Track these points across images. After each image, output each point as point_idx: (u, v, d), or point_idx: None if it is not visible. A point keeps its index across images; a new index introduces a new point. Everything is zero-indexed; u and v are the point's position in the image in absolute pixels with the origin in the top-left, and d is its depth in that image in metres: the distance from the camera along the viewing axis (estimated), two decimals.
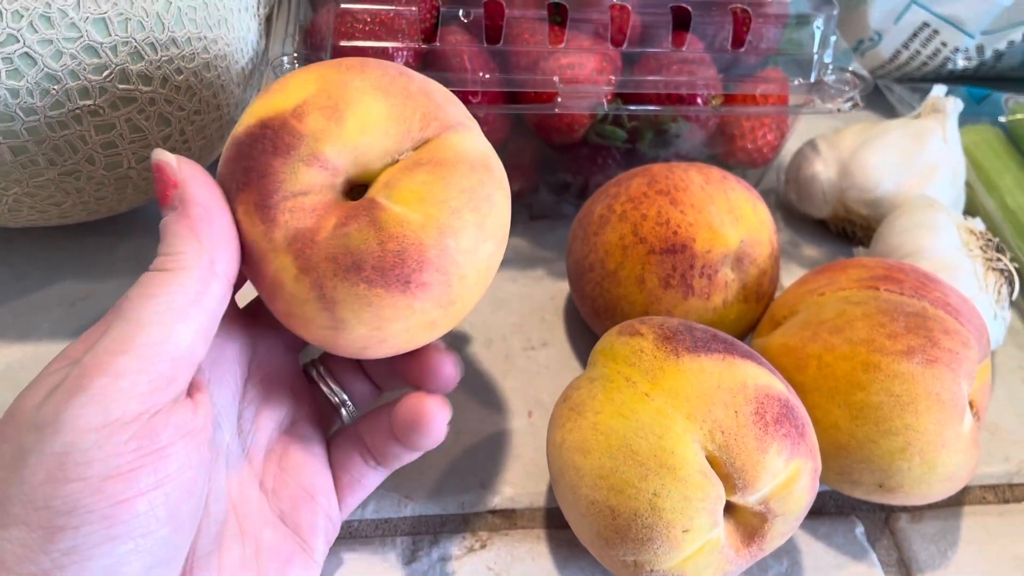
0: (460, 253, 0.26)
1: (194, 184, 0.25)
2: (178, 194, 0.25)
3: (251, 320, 0.31)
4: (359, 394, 0.33)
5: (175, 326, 0.24)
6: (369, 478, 0.31)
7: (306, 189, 0.25)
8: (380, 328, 0.26)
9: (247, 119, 0.27)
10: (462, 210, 0.26)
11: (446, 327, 0.28)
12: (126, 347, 0.23)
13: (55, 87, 0.32)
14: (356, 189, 0.27)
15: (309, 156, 0.25)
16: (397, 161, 0.26)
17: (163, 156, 0.26)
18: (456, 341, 0.43)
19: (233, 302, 0.30)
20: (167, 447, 0.23)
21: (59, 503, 0.21)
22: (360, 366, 0.33)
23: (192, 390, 0.25)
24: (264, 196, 0.25)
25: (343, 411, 0.33)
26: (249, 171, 0.26)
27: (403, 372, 0.31)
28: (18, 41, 0.31)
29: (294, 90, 0.26)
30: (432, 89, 0.28)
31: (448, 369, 0.30)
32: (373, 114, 0.26)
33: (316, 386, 0.33)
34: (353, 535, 0.35)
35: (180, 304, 0.24)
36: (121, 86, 0.34)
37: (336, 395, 0.32)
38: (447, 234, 0.26)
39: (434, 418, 0.29)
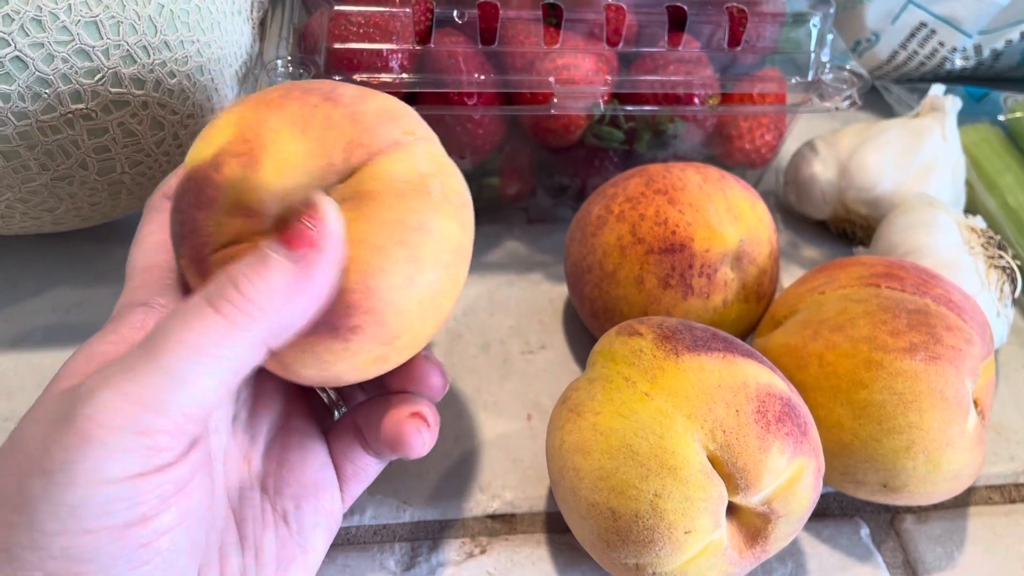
0: (390, 291, 0.24)
1: (327, 263, 0.23)
2: (307, 256, 0.23)
3: None
4: (348, 390, 0.33)
5: (210, 390, 0.21)
6: (372, 467, 0.31)
7: (234, 239, 0.24)
8: (326, 369, 0.25)
9: (183, 169, 0.26)
10: (386, 247, 0.24)
11: (401, 355, 0.27)
12: (154, 401, 0.21)
13: (47, 91, 0.32)
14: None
15: (231, 207, 0.24)
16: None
17: (329, 209, 0.23)
18: (453, 345, 0.42)
19: None
20: (187, 484, 0.22)
21: (78, 552, 0.20)
22: None
23: None
24: (196, 250, 0.25)
25: (335, 411, 0.32)
26: (183, 225, 0.25)
27: (388, 382, 0.30)
28: (9, 44, 0.31)
29: (215, 136, 0.25)
30: (363, 111, 0.25)
31: (434, 380, 0.30)
32: (289, 153, 0.24)
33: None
34: (351, 541, 0.34)
35: (224, 369, 0.22)
36: (113, 90, 0.34)
37: (327, 394, 0.32)
38: (371, 275, 0.24)
39: (413, 439, 0.28)
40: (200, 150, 0.25)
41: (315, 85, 0.26)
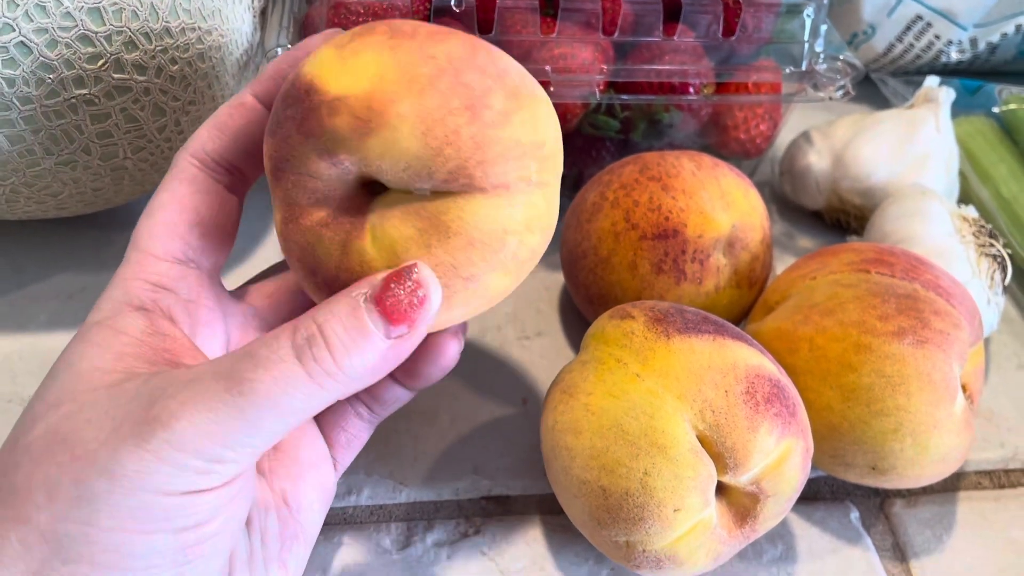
0: None
1: (416, 340, 0.23)
2: (403, 336, 0.23)
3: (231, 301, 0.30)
4: None
5: (281, 434, 0.22)
6: (364, 433, 0.31)
7: (313, 174, 0.25)
8: None
9: (312, 59, 0.25)
10: None
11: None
12: (231, 441, 0.21)
13: (50, 76, 0.33)
14: (374, 184, 0.26)
15: (323, 151, 0.24)
16: (410, 192, 0.24)
17: (436, 296, 0.23)
18: None
19: (223, 289, 0.30)
20: (238, 495, 0.23)
21: (130, 549, 0.21)
22: None
23: None
24: (278, 155, 0.25)
25: None
26: (279, 124, 0.25)
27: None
28: (14, 30, 0.31)
29: (348, 73, 0.24)
30: (494, 138, 0.24)
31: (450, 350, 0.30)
32: (401, 147, 0.23)
33: None
34: (348, 521, 0.35)
35: (299, 419, 0.22)
36: (116, 75, 0.34)
37: None
38: None
39: (450, 346, 0.29)
40: (328, 72, 0.24)
41: (473, 77, 0.24)
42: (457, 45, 0.24)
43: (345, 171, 0.24)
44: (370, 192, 0.25)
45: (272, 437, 0.22)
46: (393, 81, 0.23)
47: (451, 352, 0.29)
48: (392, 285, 0.22)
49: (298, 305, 0.32)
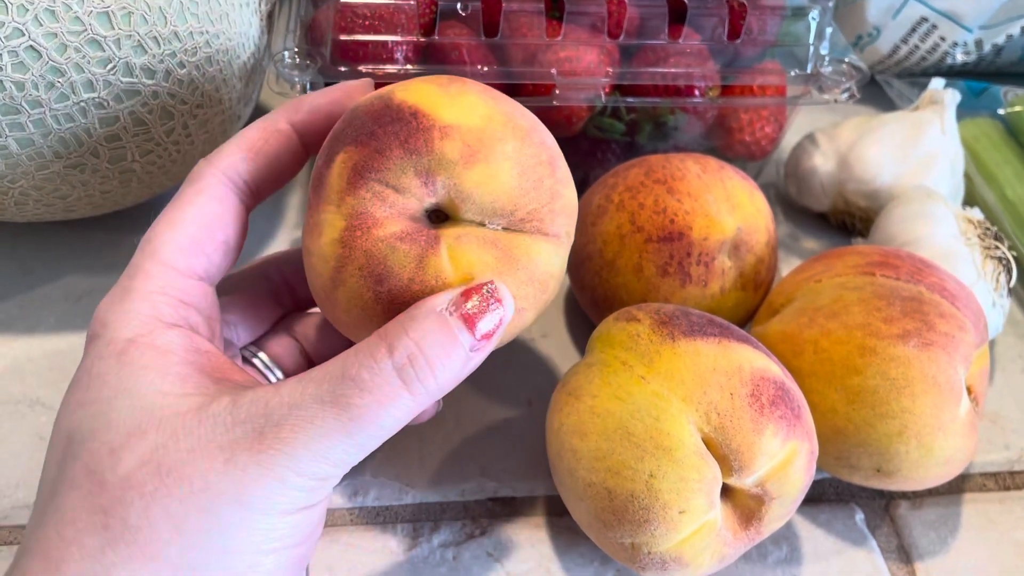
0: None
1: (488, 351, 0.25)
2: (480, 348, 0.24)
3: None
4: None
5: (373, 448, 0.24)
6: None
7: (401, 189, 0.26)
8: (359, 327, 0.27)
9: (408, 90, 0.27)
10: None
11: None
12: (340, 462, 0.23)
13: (60, 80, 0.33)
14: (437, 212, 0.27)
15: (422, 170, 0.25)
16: (483, 225, 0.26)
17: (511, 310, 0.25)
18: None
19: (214, 301, 0.29)
20: (326, 507, 0.25)
21: (261, 569, 0.23)
22: (301, 350, 0.33)
23: None
24: (365, 165, 0.26)
25: None
26: (373, 137, 0.26)
27: None
28: (23, 35, 0.32)
29: (459, 108, 0.26)
30: (561, 194, 0.27)
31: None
32: (496, 183, 0.26)
33: (252, 370, 0.32)
34: (354, 522, 0.35)
35: (397, 428, 0.24)
36: (124, 79, 0.34)
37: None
38: None
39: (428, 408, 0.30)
40: (435, 103, 0.26)
41: (550, 141, 0.28)
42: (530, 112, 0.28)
43: (431, 192, 0.26)
44: (433, 220, 0.27)
45: (368, 451, 0.24)
46: (501, 124, 0.26)
47: (429, 412, 0.31)
48: (474, 297, 0.24)
49: (264, 316, 0.32)
